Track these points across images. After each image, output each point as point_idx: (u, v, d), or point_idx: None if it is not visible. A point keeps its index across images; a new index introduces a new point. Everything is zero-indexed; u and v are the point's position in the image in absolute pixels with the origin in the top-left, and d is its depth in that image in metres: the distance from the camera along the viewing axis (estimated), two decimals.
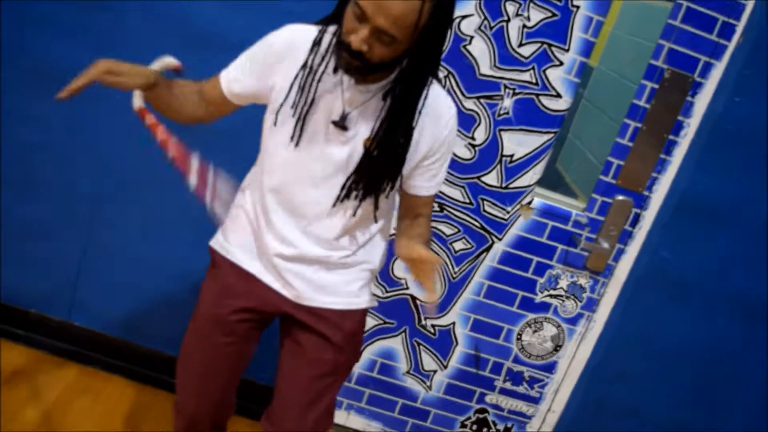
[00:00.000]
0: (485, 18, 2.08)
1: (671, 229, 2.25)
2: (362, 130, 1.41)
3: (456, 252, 2.31)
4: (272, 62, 1.43)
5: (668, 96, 2.14)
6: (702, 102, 2.14)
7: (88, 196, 2.24)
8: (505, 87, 2.14)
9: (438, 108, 1.45)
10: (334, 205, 1.45)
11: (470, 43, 2.11)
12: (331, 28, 1.39)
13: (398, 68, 1.36)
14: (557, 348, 2.42)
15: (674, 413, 2.48)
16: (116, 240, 2.29)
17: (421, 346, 2.41)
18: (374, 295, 1.70)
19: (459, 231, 2.29)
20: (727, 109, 2.12)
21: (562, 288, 2.35)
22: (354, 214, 1.47)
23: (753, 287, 2.30)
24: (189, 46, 2.03)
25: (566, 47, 2.11)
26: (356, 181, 1.42)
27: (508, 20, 2.08)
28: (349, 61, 1.28)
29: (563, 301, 2.37)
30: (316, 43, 1.38)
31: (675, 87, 2.13)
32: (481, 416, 2.49)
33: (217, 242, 1.60)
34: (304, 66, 1.39)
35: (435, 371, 2.44)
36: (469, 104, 2.16)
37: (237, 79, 1.48)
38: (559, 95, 2.15)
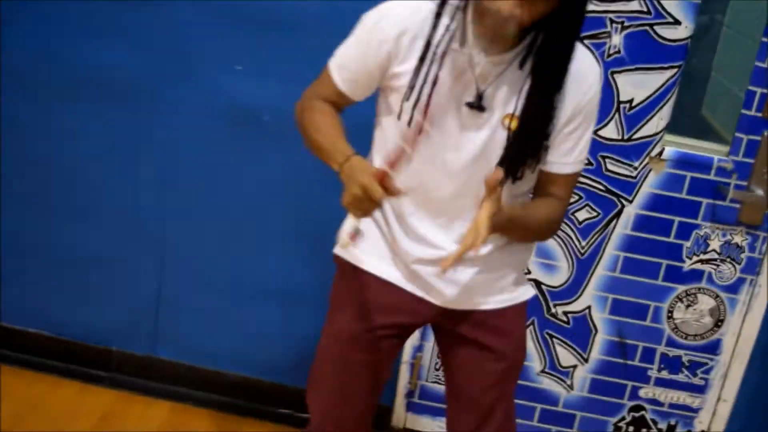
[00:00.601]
0: None
1: None
2: (499, 108, 1.23)
3: (580, 223, 2.02)
4: (395, 46, 1.24)
5: None
6: None
7: (156, 221, 2.09)
8: (611, 21, 1.86)
9: (581, 67, 1.24)
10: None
11: None
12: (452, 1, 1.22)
13: (535, 35, 1.19)
14: (718, 323, 2.05)
15: None
16: (193, 264, 2.14)
17: (554, 339, 2.12)
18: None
19: (581, 198, 2.00)
20: None
21: (714, 250, 2.01)
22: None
23: None
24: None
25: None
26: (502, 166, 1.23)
27: None
28: (507, 29, 1.13)
29: (718, 265, 2.01)
30: (437, 15, 1.21)
31: None
32: (637, 414, 2.15)
33: (357, 259, 1.43)
34: (427, 45, 1.21)
35: (575, 367, 2.14)
36: None
37: (355, 78, 1.32)
38: (677, 22, 1.84)
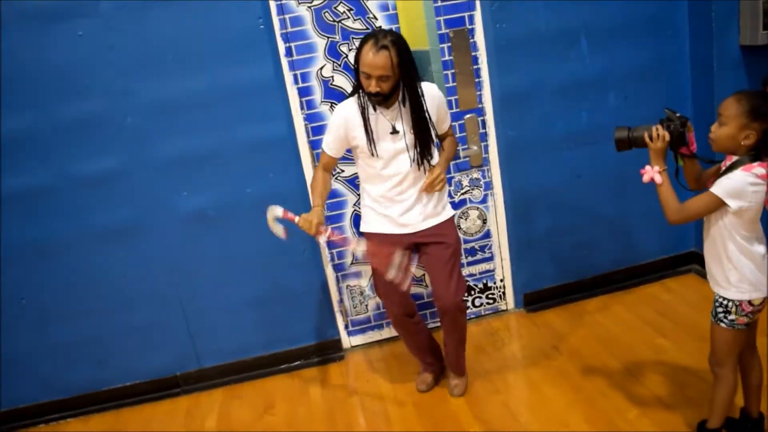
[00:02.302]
0: (333, 61, 3.29)
1: (505, 117, 3.48)
2: (403, 127, 2.71)
3: None
4: (346, 127, 2.71)
5: (460, 45, 3.37)
6: (480, 37, 3.37)
7: (162, 288, 3.45)
8: None
9: (429, 90, 2.74)
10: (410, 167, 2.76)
11: (333, 80, 3.32)
12: (361, 93, 2.67)
13: (400, 90, 2.65)
14: (485, 221, 3.67)
15: (563, 218, 3.73)
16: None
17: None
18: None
19: None
20: (496, 33, 3.35)
21: (466, 186, 3.59)
22: (419, 168, 2.77)
23: (569, 125, 3.55)
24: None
25: None
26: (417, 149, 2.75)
27: (346, 55, 3.29)
28: (376, 99, 2.59)
29: (472, 192, 3.61)
30: (361, 105, 2.68)
31: (460, 38, 3.37)
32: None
33: (368, 227, 2.92)
34: (364, 119, 2.68)
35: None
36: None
37: (334, 147, 2.79)
38: None
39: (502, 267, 3.76)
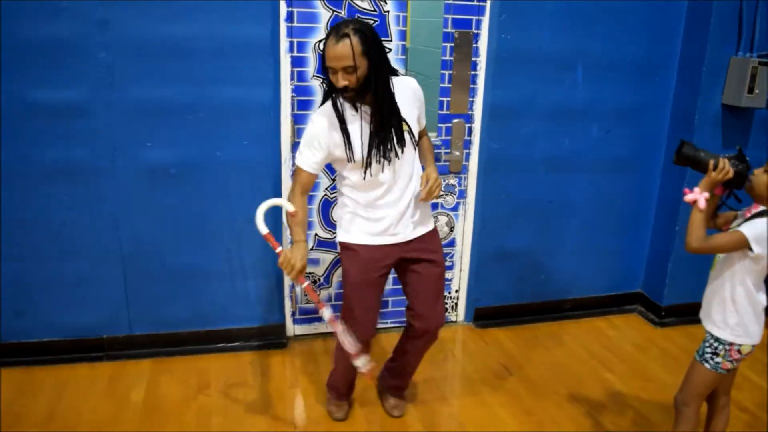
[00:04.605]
0: None
1: (492, 129, 3.44)
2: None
3: None
4: (329, 139, 2.33)
5: (462, 47, 3.30)
6: (483, 44, 3.32)
7: (114, 244, 3.16)
8: None
9: (405, 84, 2.42)
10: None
11: None
12: (335, 96, 2.31)
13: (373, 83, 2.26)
14: (452, 229, 3.60)
15: (528, 239, 3.74)
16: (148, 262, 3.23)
17: None
18: None
19: None
20: (500, 44, 3.30)
21: (441, 190, 3.49)
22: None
23: (551, 149, 3.56)
24: None
25: (389, 39, 3.20)
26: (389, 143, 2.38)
27: None
28: (347, 95, 2.25)
29: (445, 198, 3.54)
30: (337, 108, 2.31)
31: (464, 41, 3.29)
32: None
33: (350, 238, 2.50)
34: (342, 123, 2.31)
35: None
36: None
37: (314, 162, 2.37)
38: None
39: (460, 278, 3.71)
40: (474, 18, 3.28)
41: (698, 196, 2.22)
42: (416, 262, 2.55)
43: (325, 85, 2.38)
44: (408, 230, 2.49)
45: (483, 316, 3.74)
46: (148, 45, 2.91)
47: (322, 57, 2.25)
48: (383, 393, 2.96)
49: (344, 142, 2.33)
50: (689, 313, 3.80)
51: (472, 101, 3.40)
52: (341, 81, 2.21)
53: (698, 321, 3.72)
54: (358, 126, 2.33)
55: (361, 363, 2.41)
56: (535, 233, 3.69)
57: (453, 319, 3.77)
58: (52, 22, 2.78)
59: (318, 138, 2.34)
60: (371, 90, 2.27)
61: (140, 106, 2.98)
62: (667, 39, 3.55)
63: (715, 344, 2.27)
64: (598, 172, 3.66)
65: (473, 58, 3.33)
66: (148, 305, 3.27)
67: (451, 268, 3.67)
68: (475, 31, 3.30)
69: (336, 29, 2.21)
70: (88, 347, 3.24)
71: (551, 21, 3.34)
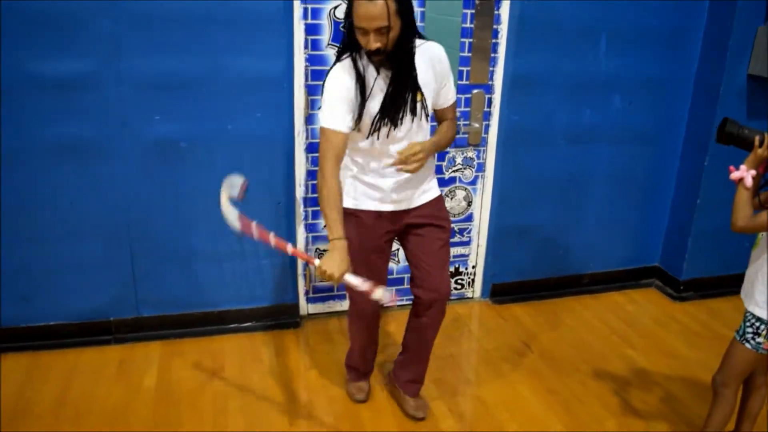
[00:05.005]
0: None
1: (512, 100, 3.31)
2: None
3: None
4: (349, 91, 2.15)
5: (483, 14, 3.15)
6: (505, 11, 3.17)
7: (123, 222, 3.01)
8: None
9: (429, 49, 2.23)
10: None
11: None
12: (355, 55, 2.14)
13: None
14: (470, 204, 3.50)
15: (546, 214, 3.65)
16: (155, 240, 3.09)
17: None
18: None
19: None
20: (522, 10, 3.16)
21: (459, 163, 3.40)
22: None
23: (572, 121, 3.44)
24: None
25: None
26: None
27: None
28: (377, 58, 2.08)
29: (463, 171, 3.42)
30: (357, 67, 2.14)
31: (486, 8, 3.14)
32: None
33: (355, 203, 2.36)
34: (361, 83, 2.14)
35: None
36: None
37: (346, 118, 2.15)
38: None
39: (477, 254, 3.61)
40: None
41: (744, 173, 2.13)
42: (420, 226, 2.44)
43: (342, 42, 2.18)
44: (413, 198, 2.40)
45: (500, 291, 3.66)
46: (155, 14, 2.73)
47: (348, 16, 2.07)
48: (398, 394, 2.75)
49: (359, 103, 2.17)
50: (708, 287, 3.80)
51: (493, 71, 3.27)
52: (373, 43, 2.03)
53: (717, 295, 3.77)
54: (378, 88, 2.18)
55: (380, 294, 2.09)
56: (553, 207, 3.59)
57: (469, 295, 3.69)
58: None
59: (342, 92, 2.16)
60: (398, 53, 2.10)
61: (148, 77, 2.81)
62: (693, 9, 3.42)
63: (757, 324, 2.21)
64: (618, 144, 3.56)
65: (495, 26, 3.19)
66: (157, 286, 3.14)
67: (468, 243, 3.57)
68: None
69: None
70: (95, 330, 3.11)
71: None
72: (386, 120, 2.19)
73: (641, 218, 3.80)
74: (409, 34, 2.10)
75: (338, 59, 2.20)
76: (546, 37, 3.24)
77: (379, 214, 2.37)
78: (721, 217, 3.63)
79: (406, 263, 2.56)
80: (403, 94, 2.17)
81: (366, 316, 2.57)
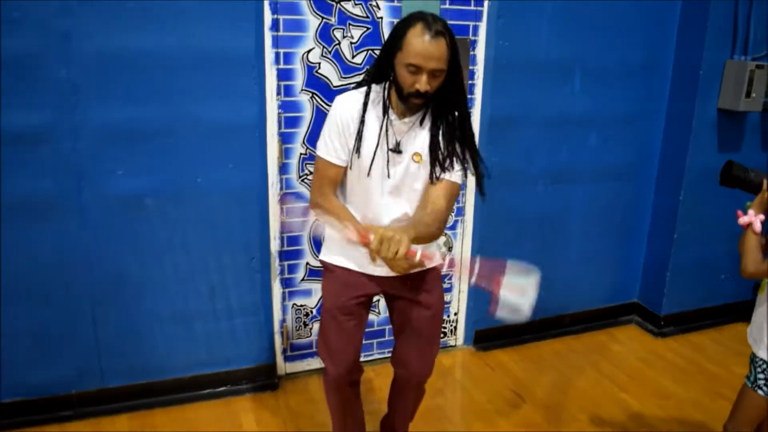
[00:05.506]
0: (323, 46, 2.85)
1: (492, 141, 3.23)
2: (409, 148, 1.98)
3: None
4: (346, 129, 1.97)
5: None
6: (480, 51, 3.10)
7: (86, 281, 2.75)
8: None
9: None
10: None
11: (319, 67, 2.87)
12: (375, 87, 1.97)
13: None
14: (450, 248, 3.38)
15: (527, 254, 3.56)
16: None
17: None
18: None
19: None
20: (497, 51, 3.10)
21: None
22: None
23: (550, 160, 3.39)
24: None
25: None
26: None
27: (339, 42, 2.86)
28: (417, 101, 1.87)
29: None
30: (365, 104, 1.96)
31: (461, 49, 3.06)
32: None
33: (328, 257, 2.17)
34: (362, 122, 1.95)
35: None
36: None
37: (345, 152, 1.99)
38: None
39: (459, 300, 3.49)
40: (471, 24, 3.06)
41: (753, 218, 2.09)
42: (401, 300, 2.18)
43: (371, 71, 2.00)
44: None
45: (483, 338, 3.54)
46: (116, 60, 2.54)
47: (395, 47, 1.85)
48: None
49: (355, 139, 1.98)
50: (687, 321, 3.78)
51: (470, 112, 3.16)
52: (425, 84, 1.84)
53: (696, 328, 3.75)
54: (376, 134, 1.97)
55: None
56: (534, 247, 3.51)
57: (452, 343, 3.55)
58: (3, 36, 2.37)
59: (345, 125, 1.97)
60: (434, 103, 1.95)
61: (108, 128, 2.60)
62: (662, 43, 3.44)
63: None
64: (595, 181, 3.52)
65: (471, 67, 3.11)
66: (123, 353, 2.87)
67: (450, 290, 3.44)
68: (473, 38, 3.08)
69: (425, 22, 1.83)
70: (54, 406, 2.82)
71: (549, 26, 3.16)
72: (383, 172, 1.98)
73: (619, 255, 3.77)
74: (455, 84, 1.94)
75: (360, 86, 2.03)
76: (521, 75, 3.19)
77: (355, 273, 2.14)
78: (698, 251, 3.69)
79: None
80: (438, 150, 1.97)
81: (341, 387, 2.29)
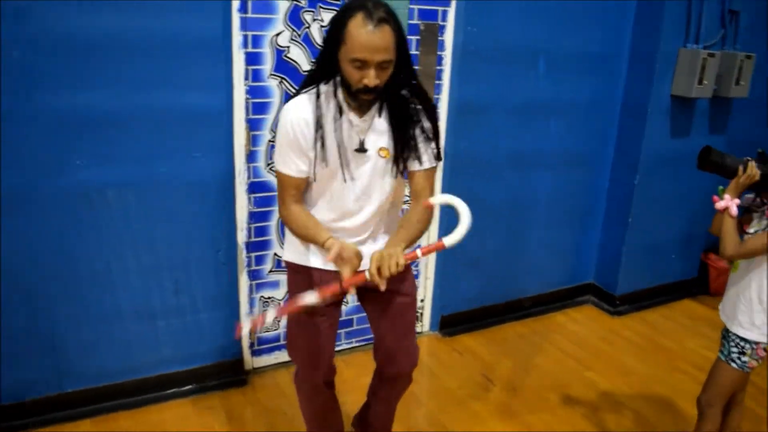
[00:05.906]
0: (293, 30, 2.74)
1: (459, 127, 3.22)
2: (373, 145, 1.87)
3: None
4: (305, 136, 1.85)
5: (428, 41, 3.03)
6: (449, 37, 3.07)
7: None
8: None
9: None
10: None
11: (289, 51, 2.76)
12: (323, 88, 1.83)
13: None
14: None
15: (492, 240, 3.60)
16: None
17: None
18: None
19: None
20: (466, 37, 3.08)
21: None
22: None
23: (515, 146, 3.41)
24: None
25: None
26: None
27: (309, 26, 2.76)
28: (367, 97, 1.76)
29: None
30: (318, 108, 1.82)
31: (430, 34, 3.03)
32: None
33: (296, 258, 2.06)
34: (318, 128, 1.82)
35: None
36: None
37: (304, 162, 1.87)
38: None
39: (425, 287, 3.48)
40: (440, 9, 3.02)
41: (729, 202, 2.18)
42: (376, 292, 1.95)
43: (315, 70, 1.88)
44: (368, 259, 1.88)
45: (449, 323, 3.55)
46: (73, 42, 2.35)
47: (338, 42, 1.73)
48: None
49: (316, 148, 1.86)
50: (641, 299, 3.92)
51: (438, 98, 3.16)
52: (374, 79, 1.72)
53: (649, 306, 3.90)
54: (339, 133, 1.86)
55: (309, 298, 1.82)
56: (498, 233, 3.55)
57: (419, 329, 3.54)
58: None
59: (300, 134, 1.85)
60: (387, 93, 1.82)
61: (65, 115, 2.40)
62: (619, 32, 3.52)
63: (742, 344, 2.25)
64: (555, 167, 3.58)
65: (439, 52, 3.08)
66: (82, 354, 2.69)
67: (417, 276, 3.43)
68: (441, 23, 3.04)
69: (366, 10, 1.69)
70: (6, 415, 2.62)
71: (517, 13, 3.17)
72: (348, 172, 1.90)
73: (576, 238, 3.86)
74: (405, 71, 1.82)
75: (300, 90, 1.91)
76: (488, 61, 3.19)
77: (328, 273, 2.01)
78: (651, 233, 3.82)
79: (357, 303, 2.29)
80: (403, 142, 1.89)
81: (319, 390, 2.22)
